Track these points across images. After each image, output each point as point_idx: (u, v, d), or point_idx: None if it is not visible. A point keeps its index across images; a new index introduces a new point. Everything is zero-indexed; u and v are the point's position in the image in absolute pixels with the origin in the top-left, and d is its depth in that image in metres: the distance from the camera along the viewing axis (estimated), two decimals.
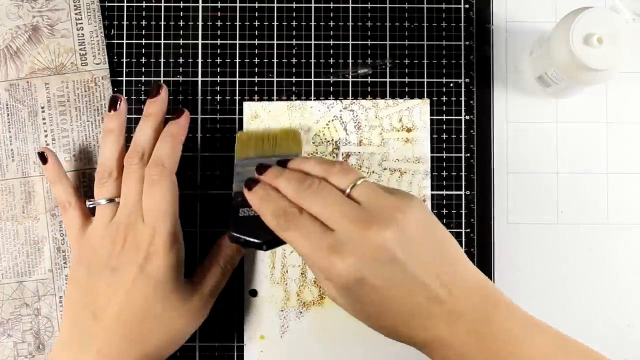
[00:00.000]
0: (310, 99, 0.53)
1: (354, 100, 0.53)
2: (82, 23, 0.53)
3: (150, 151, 0.48)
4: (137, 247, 0.45)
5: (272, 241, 0.44)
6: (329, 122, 0.53)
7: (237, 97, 0.53)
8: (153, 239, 0.45)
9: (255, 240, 0.45)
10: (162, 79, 0.53)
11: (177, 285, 0.46)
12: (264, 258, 0.52)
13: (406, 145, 0.53)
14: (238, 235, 0.45)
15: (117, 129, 0.49)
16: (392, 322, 0.40)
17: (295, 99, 0.53)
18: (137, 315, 0.45)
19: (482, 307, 0.40)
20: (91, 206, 0.48)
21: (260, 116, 0.53)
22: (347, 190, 0.41)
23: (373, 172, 0.52)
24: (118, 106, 0.49)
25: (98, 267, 0.46)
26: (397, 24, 0.54)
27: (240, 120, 0.53)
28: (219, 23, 0.54)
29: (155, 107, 0.49)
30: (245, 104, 0.53)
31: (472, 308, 0.39)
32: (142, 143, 0.48)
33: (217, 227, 0.52)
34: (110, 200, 0.47)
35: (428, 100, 0.53)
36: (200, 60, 0.53)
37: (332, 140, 0.53)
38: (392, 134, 0.53)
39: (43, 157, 0.49)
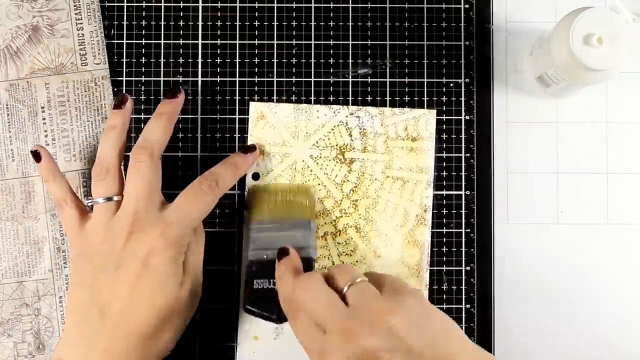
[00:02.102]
0: (311, 100, 0.53)
1: (361, 107, 0.53)
2: (82, 23, 0.53)
3: (159, 149, 0.48)
4: (141, 243, 0.45)
5: (285, 317, 0.45)
6: (334, 127, 0.53)
7: (237, 97, 0.53)
8: (159, 234, 0.45)
9: (270, 315, 0.47)
10: (162, 79, 0.53)
11: (178, 279, 0.46)
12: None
13: (410, 154, 0.53)
14: (252, 309, 0.48)
15: (119, 127, 0.48)
16: None
17: (296, 99, 0.53)
18: (143, 311, 0.45)
19: None
20: (90, 204, 0.48)
21: (266, 117, 0.53)
22: (344, 290, 0.41)
23: (376, 179, 0.52)
24: (124, 105, 0.49)
25: (101, 264, 0.46)
26: (397, 24, 0.54)
27: (240, 120, 0.53)
28: (219, 23, 0.54)
29: (170, 107, 0.49)
30: (252, 105, 0.53)
31: None
32: (152, 140, 0.48)
33: (216, 227, 0.52)
34: (109, 199, 0.47)
35: (434, 111, 0.53)
36: (200, 60, 0.53)
37: (337, 145, 0.53)
38: (397, 142, 0.53)
39: (37, 155, 0.49)
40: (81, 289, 0.46)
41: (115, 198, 0.47)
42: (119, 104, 0.49)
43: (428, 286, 0.52)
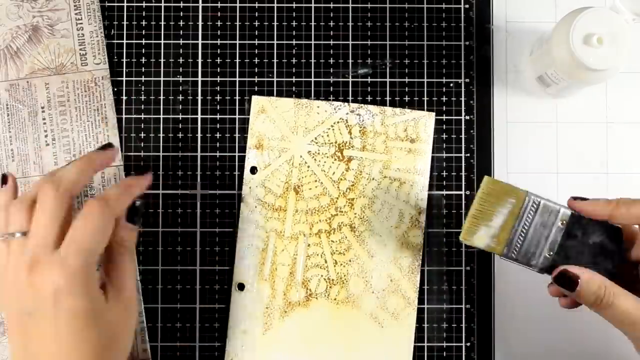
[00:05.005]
0: (312, 99, 0.53)
1: (362, 105, 0.53)
2: (82, 23, 0.53)
3: (67, 185, 0.43)
4: (43, 282, 0.41)
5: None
6: (334, 123, 0.53)
7: (237, 97, 0.53)
8: (59, 272, 0.41)
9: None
10: (162, 79, 0.53)
11: (102, 308, 0.43)
12: (254, 253, 0.52)
13: (408, 155, 0.53)
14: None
15: (98, 165, 0.46)
16: None
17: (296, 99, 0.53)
18: (78, 353, 0.42)
19: None
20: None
21: (267, 111, 0.53)
22: None
23: (373, 179, 0.52)
24: (109, 150, 0.48)
25: (16, 312, 0.42)
26: (397, 24, 0.54)
27: (240, 120, 0.53)
28: (219, 23, 0.54)
29: (99, 157, 0.47)
30: (254, 98, 0.53)
31: None
32: (63, 176, 0.44)
33: (217, 227, 0.52)
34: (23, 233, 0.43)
35: (433, 114, 0.53)
36: (200, 60, 0.53)
37: (336, 142, 0.53)
38: (396, 142, 0.53)
39: (4, 179, 0.46)
40: (12, 337, 0.43)
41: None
42: (106, 148, 0.48)
43: (418, 288, 0.52)
